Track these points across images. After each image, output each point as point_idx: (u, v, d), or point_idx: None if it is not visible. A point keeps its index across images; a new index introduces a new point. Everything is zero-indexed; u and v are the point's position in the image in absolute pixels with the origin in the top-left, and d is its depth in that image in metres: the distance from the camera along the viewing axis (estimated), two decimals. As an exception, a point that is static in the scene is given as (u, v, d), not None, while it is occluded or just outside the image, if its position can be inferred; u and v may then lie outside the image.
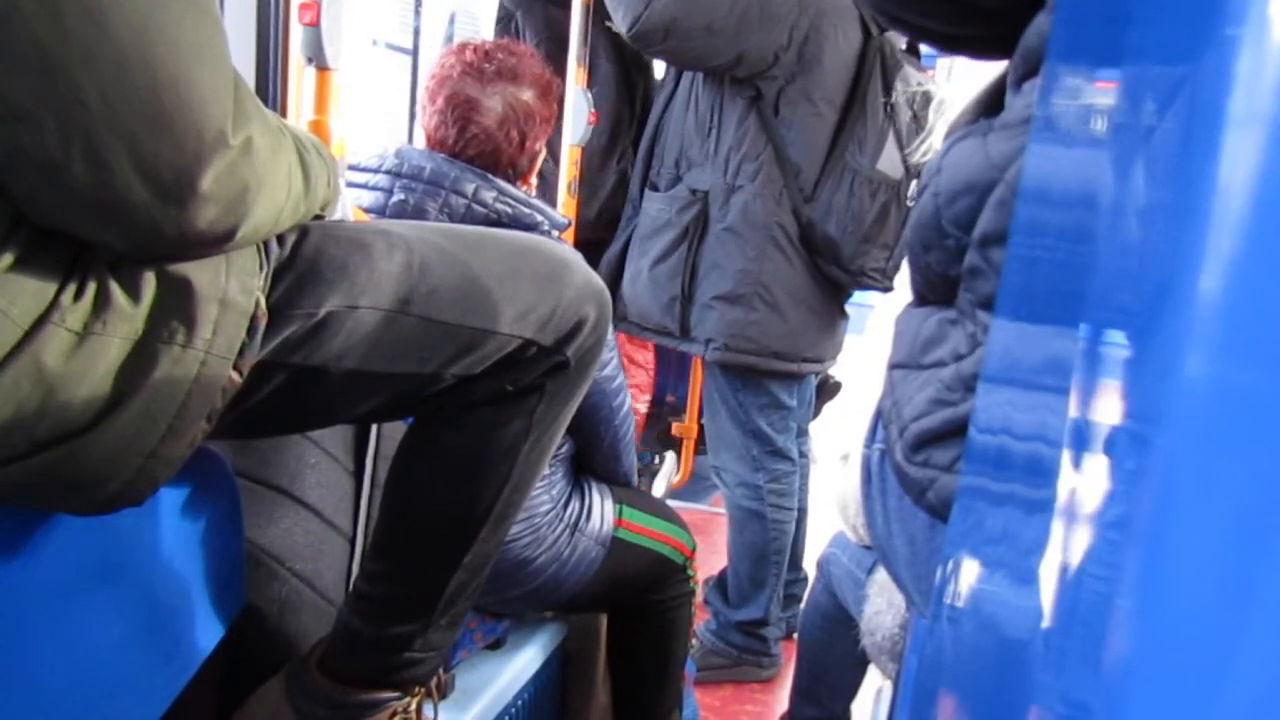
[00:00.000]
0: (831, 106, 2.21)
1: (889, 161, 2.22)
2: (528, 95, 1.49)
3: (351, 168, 1.48)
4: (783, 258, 2.24)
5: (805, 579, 2.55)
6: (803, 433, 2.52)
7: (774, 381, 2.33)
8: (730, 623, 2.41)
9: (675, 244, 2.28)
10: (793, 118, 2.20)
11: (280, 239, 0.84)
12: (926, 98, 2.25)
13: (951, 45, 0.76)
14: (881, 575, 1.57)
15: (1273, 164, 0.21)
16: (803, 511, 2.53)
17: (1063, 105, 0.38)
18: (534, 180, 1.59)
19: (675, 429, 3.37)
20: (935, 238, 0.62)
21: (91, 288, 0.69)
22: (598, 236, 2.44)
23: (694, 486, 3.54)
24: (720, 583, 2.50)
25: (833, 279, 2.30)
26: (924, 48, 2.38)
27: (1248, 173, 0.21)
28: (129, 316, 0.70)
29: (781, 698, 2.10)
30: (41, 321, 0.66)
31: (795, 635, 2.30)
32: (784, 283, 2.25)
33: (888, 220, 2.24)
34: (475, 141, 1.47)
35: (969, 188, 0.59)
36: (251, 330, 0.77)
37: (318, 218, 0.90)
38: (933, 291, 0.66)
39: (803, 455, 2.50)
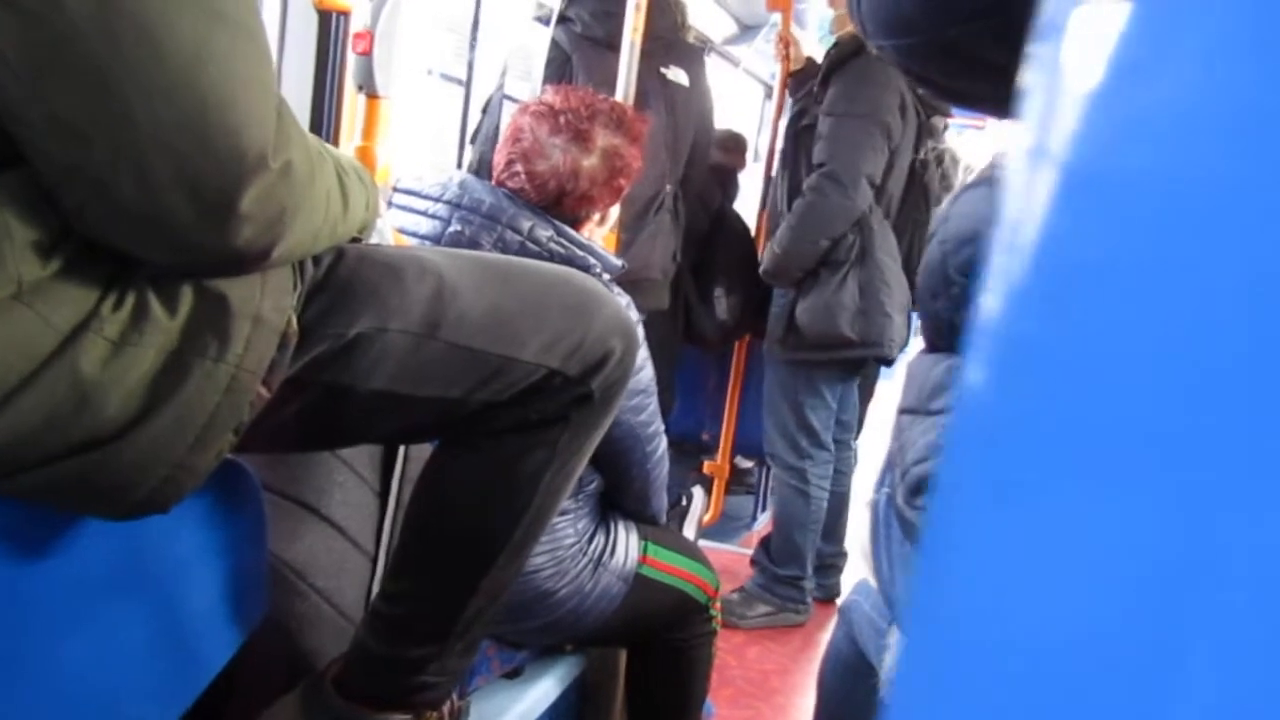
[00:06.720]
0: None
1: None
2: (594, 161, 1.49)
3: (411, 193, 1.48)
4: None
5: (845, 554, 3.07)
6: (846, 427, 2.97)
7: (824, 384, 2.77)
8: (775, 577, 2.88)
9: None
10: None
11: (316, 259, 0.86)
12: (953, 158, 2.66)
13: (974, 103, 0.77)
14: (904, 625, 1.55)
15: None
16: (845, 496, 2.99)
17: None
18: (593, 228, 1.57)
19: (707, 467, 3.36)
20: (942, 285, 0.62)
21: (131, 299, 0.70)
22: (629, 281, 2.45)
23: (724, 526, 3.52)
24: (765, 545, 2.94)
25: None
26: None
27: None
28: (165, 329, 0.72)
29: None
30: (81, 329, 0.68)
31: (833, 600, 2.92)
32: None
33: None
34: (540, 187, 1.48)
35: (974, 236, 0.60)
36: (282, 347, 0.79)
37: (355, 240, 0.93)
38: (941, 338, 0.66)
39: (841, 444, 2.94)
